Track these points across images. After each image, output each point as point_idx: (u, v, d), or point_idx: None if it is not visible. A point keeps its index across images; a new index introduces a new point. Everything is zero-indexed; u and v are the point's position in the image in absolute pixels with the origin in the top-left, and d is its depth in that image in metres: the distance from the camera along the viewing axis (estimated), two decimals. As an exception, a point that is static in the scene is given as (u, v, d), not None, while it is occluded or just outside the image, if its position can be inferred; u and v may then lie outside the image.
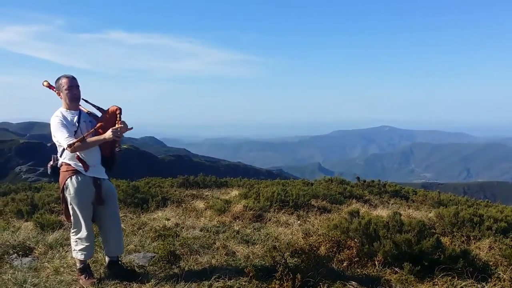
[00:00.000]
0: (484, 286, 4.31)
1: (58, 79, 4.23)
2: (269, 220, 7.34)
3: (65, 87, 4.17)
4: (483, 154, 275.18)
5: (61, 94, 4.21)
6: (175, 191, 10.96)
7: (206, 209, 8.16)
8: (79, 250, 4.27)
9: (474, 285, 4.28)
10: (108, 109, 4.23)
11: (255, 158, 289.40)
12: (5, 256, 5.22)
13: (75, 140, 3.95)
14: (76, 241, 4.28)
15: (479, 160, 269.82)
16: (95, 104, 4.32)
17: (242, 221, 7.15)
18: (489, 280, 4.42)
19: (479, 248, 5.67)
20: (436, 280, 4.35)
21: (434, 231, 5.89)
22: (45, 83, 4.45)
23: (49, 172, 4.32)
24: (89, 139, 4.02)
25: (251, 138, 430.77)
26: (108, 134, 3.98)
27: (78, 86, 4.25)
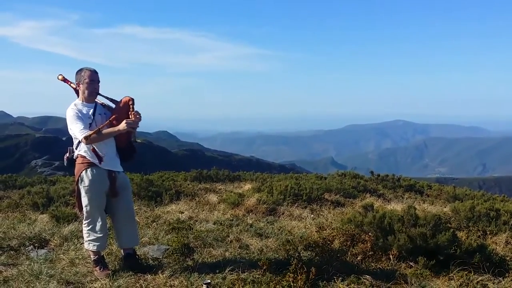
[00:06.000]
0: (501, 281, 4.26)
1: (80, 70, 4.26)
2: (282, 213, 7.34)
3: (87, 80, 4.19)
4: (499, 149, 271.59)
5: (80, 85, 4.23)
6: (188, 184, 10.99)
7: (219, 203, 8.18)
8: (91, 241, 4.30)
9: (490, 280, 4.23)
10: (121, 100, 4.25)
11: (268, 152, 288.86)
12: (22, 247, 5.28)
13: (90, 132, 3.98)
14: (88, 233, 4.31)
15: (495, 155, 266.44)
16: (108, 96, 4.33)
17: (255, 214, 7.15)
18: (506, 275, 4.37)
19: (496, 243, 5.61)
20: (452, 274, 4.30)
21: (449, 225, 5.83)
22: (60, 77, 4.47)
23: (65, 164, 4.35)
24: (104, 131, 4.06)
25: (264, 132, 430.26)
26: (122, 125, 4.01)
27: (99, 81, 4.27)
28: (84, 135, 3.99)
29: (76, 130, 4.06)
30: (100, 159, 4.17)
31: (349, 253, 4.87)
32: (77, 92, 4.37)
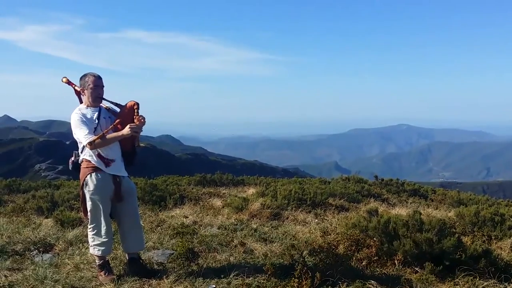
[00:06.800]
0: (507, 287, 4.24)
1: (84, 75, 4.28)
2: (287, 218, 7.33)
3: (91, 85, 4.22)
4: (503, 153, 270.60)
5: (85, 91, 4.26)
6: (192, 189, 11.00)
7: (223, 207, 8.17)
8: (96, 245, 4.30)
9: (496, 286, 4.22)
10: (126, 104, 4.26)
11: (272, 156, 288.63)
12: (26, 252, 5.29)
13: (94, 137, 4.00)
14: (93, 237, 4.32)
15: (500, 159, 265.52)
16: (112, 101, 4.34)
17: (259, 219, 7.14)
18: (512, 280, 4.35)
19: (501, 248, 5.59)
20: (457, 280, 4.28)
21: (454, 230, 5.81)
22: (64, 79, 4.50)
23: (70, 168, 4.38)
24: (108, 136, 4.07)
25: (268, 136, 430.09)
26: (126, 130, 4.03)
27: (103, 86, 4.29)
28: (88, 140, 4.00)
29: (81, 135, 4.07)
30: (107, 164, 4.18)
31: (354, 258, 4.85)
32: (79, 96, 4.40)
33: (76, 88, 4.41)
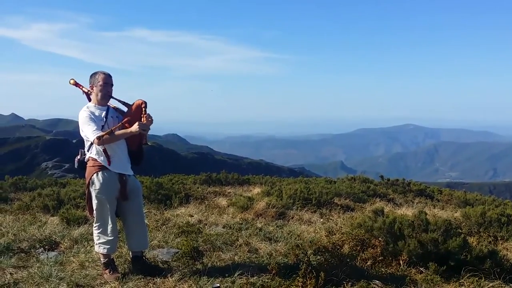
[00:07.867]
0: (512, 288, 4.22)
1: (95, 73, 4.30)
2: (292, 217, 7.32)
3: (101, 83, 4.23)
4: (510, 154, 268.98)
5: (94, 88, 4.26)
6: (198, 188, 11.02)
7: (228, 206, 8.18)
8: (101, 243, 4.32)
9: (501, 286, 4.20)
10: (134, 103, 4.27)
11: (277, 156, 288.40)
12: (32, 250, 5.31)
13: (103, 133, 4.00)
14: (98, 235, 4.33)
15: (506, 160, 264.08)
16: (120, 99, 4.35)
17: (264, 218, 7.14)
18: (518, 281, 4.33)
19: (507, 249, 5.57)
20: (463, 280, 4.26)
21: (460, 230, 5.78)
22: (72, 81, 4.51)
23: (76, 166, 4.38)
24: (117, 132, 4.08)
25: (273, 135, 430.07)
26: (135, 127, 4.03)
27: (112, 84, 4.31)
28: (97, 135, 4.00)
29: (89, 131, 4.08)
30: (108, 159, 4.18)
31: (359, 258, 4.84)
32: (88, 97, 4.41)
33: (84, 89, 4.42)
